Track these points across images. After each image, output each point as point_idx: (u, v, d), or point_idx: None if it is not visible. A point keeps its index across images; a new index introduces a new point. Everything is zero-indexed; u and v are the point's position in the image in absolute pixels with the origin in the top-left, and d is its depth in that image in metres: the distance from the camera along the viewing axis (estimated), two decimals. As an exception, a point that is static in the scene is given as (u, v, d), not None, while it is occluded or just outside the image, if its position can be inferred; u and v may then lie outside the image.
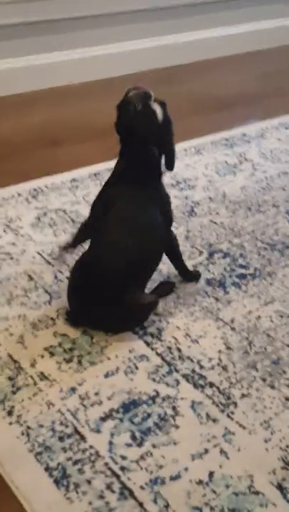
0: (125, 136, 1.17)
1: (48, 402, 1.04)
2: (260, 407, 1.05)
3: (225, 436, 0.99)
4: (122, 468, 0.94)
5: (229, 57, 2.88)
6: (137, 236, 1.16)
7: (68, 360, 1.13)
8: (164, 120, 1.17)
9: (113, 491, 0.91)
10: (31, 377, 1.09)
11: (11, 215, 1.58)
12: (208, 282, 1.35)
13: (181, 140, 1.99)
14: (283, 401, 1.06)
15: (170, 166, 1.21)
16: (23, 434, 0.99)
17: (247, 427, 1.01)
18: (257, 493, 0.91)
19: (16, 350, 1.15)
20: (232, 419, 1.02)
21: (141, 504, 0.89)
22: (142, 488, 0.91)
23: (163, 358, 1.14)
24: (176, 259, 1.31)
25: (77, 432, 0.99)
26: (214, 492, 0.91)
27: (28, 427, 1.00)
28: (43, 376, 1.09)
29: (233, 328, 1.22)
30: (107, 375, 1.10)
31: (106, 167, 1.65)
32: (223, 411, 1.04)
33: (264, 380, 1.10)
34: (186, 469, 0.94)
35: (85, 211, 1.51)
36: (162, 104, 1.17)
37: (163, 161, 1.20)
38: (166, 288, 1.31)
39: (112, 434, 0.99)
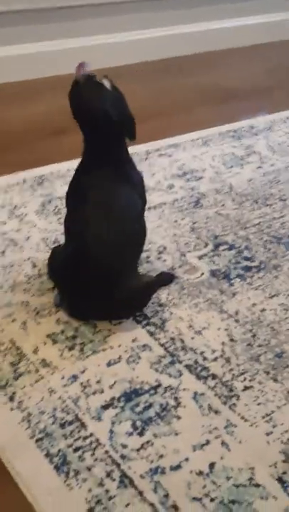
0: (82, 118, 1.13)
1: (49, 388, 1.04)
2: (262, 400, 1.04)
3: (226, 428, 0.99)
4: (123, 457, 0.93)
5: (238, 49, 2.87)
6: (118, 221, 1.13)
7: (71, 348, 1.12)
8: (112, 89, 1.13)
9: (113, 479, 0.90)
10: (33, 363, 1.09)
11: (15, 202, 1.57)
12: (213, 274, 1.34)
13: (189, 131, 1.99)
14: (286, 394, 1.05)
15: (131, 135, 1.16)
16: (24, 420, 0.98)
17: (249, 419, 1.01)
18: (257, 485, 0.90)
19: (19, 337, 1.14)
20: (234, 411, 1.02)
21: (141, 493, 0.89)
22: (142, 477, 0.91)
23: (166, 349, 1.14)
24: None
25: (78, 419, 0.99)
26: (214, 483, 0.90)
27: (29, 414, 0.99)
28: (45, 363, 1.09)
29: (237, 321, 1.21)
30: (109, 364, 1.10)
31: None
32: (225, 403, 1.03)
33: (267, 373, 1.10)
34: (186, 460, 0.94)
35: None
36: (106, 77, 1.14)
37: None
38: (165, 278, 1.30)
39: (113, 423, 0.99)
